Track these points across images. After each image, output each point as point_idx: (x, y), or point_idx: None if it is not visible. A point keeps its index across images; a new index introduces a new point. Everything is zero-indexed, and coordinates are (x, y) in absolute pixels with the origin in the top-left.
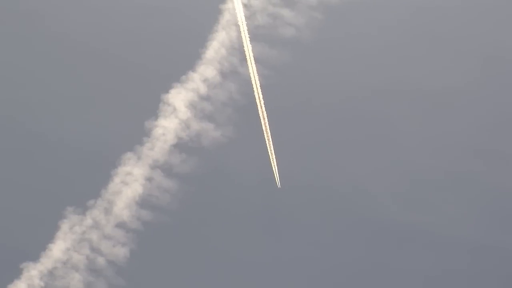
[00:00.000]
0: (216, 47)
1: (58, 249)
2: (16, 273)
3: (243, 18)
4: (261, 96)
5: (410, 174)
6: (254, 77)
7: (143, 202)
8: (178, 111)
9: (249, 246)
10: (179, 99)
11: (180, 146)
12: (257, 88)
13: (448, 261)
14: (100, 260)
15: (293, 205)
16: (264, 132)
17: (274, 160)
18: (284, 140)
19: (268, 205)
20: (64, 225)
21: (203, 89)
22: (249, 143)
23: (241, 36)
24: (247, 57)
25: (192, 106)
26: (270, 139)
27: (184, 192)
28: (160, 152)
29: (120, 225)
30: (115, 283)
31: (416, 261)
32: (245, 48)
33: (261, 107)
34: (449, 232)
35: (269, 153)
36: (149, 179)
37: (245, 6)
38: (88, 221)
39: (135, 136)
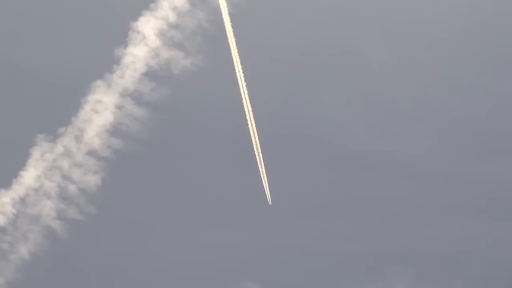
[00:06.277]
0: None
1: (29, 176)
2: None
3: None
4: (230, 24)
5: (381, 104)
6: (223, 5)
7: (114, 130)
8: (147, 39)
9: (219, 174)
10: (149, 27)
11: (150, 74)
12: (226, 17)
13: (417, 189)
14: (72, 188)
15: (264, 133)
16: (234, 60)
17: (245, 92)
18: (254, 68)
19: (238, 133)
20: (35, 153)
21: (172, 17)
22: (218, 72)
23: None
24: None
25: (161, 34)
26: (240, 68)
27: (154, 120)
28: (130, 80)
29: (91, 153)
30: (86, 210)
31: (385, 189)
32: None
33: (230, 35)
34: (419, 161)
35: (239, 82)
36: (119, 107)
37: None
38: (59, 148)
39: (105, 64)
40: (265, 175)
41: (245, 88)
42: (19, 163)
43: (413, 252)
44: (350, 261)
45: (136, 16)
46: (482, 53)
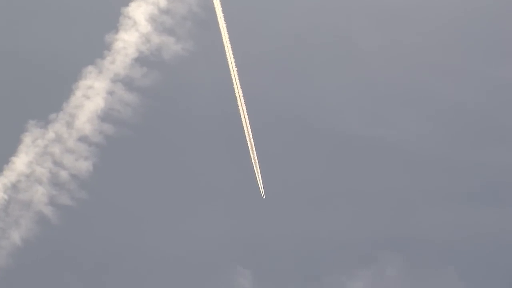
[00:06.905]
0: None
1: (21, 162)
2: None
3: None
4: (221, 9)
5: (373, 90)
6: None
7: (105, 116)
8: (138, 24)
9: (210, 160)
10: (139, 12)
11: (141, 59)
12: (217, 2)
13: (409, 175)
14: (63, 174)
15: (255, 119)
16: (225, 45)
17: (236, 77)
18: (246, 54)
19: (229, 118)
20: (26, 139)
21: (163, 2)
22: (209, 57)
23: None
24: None
25: (152, 19)
26: (231, 53)
27: (146, 106)
28: (121, 66)
29: (82, 139)
30: (78, 196)
31: (378, 175)
32: None
33: (221, 20)
34: (411, 147)
35: (230, 67)
36: (110, 93)
37: None
38: (50, 134)
39: (96, 49)
40: (257, 162)
41: (236, 73)
42: (11, 149)
43: (405, 238)
44: (342, 247)
45: (126, 1)
46: (475, 38)
